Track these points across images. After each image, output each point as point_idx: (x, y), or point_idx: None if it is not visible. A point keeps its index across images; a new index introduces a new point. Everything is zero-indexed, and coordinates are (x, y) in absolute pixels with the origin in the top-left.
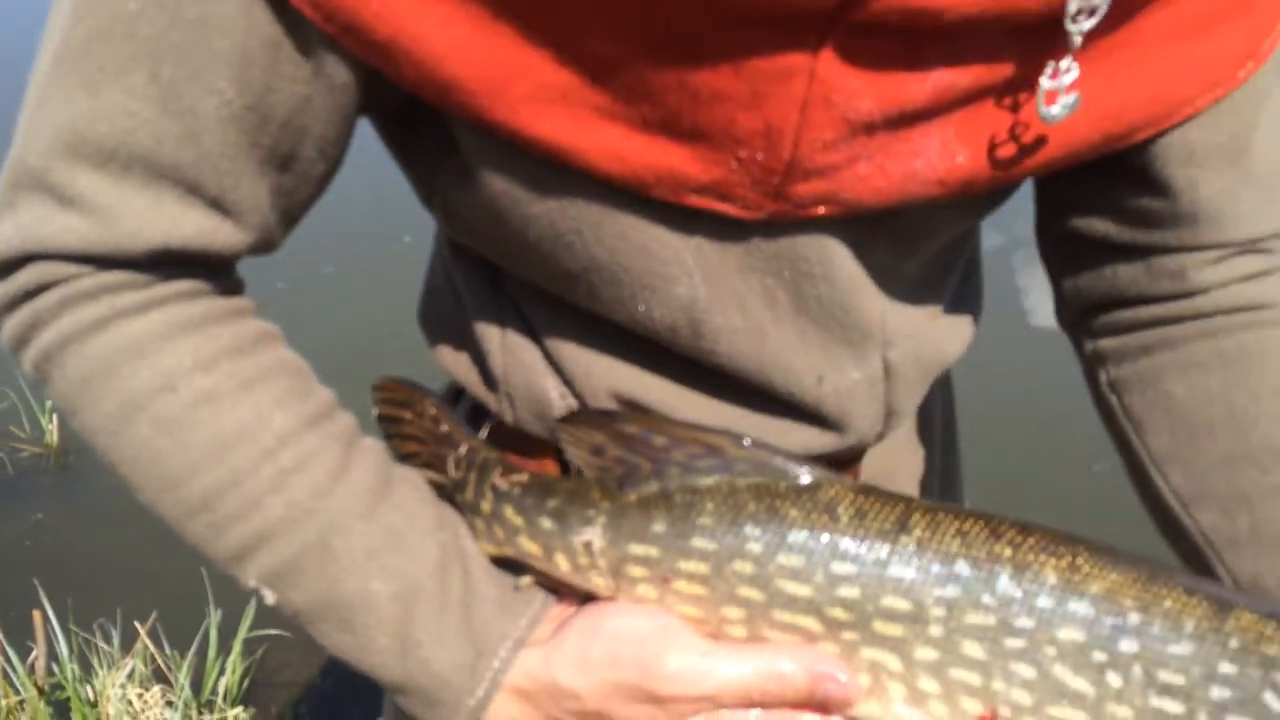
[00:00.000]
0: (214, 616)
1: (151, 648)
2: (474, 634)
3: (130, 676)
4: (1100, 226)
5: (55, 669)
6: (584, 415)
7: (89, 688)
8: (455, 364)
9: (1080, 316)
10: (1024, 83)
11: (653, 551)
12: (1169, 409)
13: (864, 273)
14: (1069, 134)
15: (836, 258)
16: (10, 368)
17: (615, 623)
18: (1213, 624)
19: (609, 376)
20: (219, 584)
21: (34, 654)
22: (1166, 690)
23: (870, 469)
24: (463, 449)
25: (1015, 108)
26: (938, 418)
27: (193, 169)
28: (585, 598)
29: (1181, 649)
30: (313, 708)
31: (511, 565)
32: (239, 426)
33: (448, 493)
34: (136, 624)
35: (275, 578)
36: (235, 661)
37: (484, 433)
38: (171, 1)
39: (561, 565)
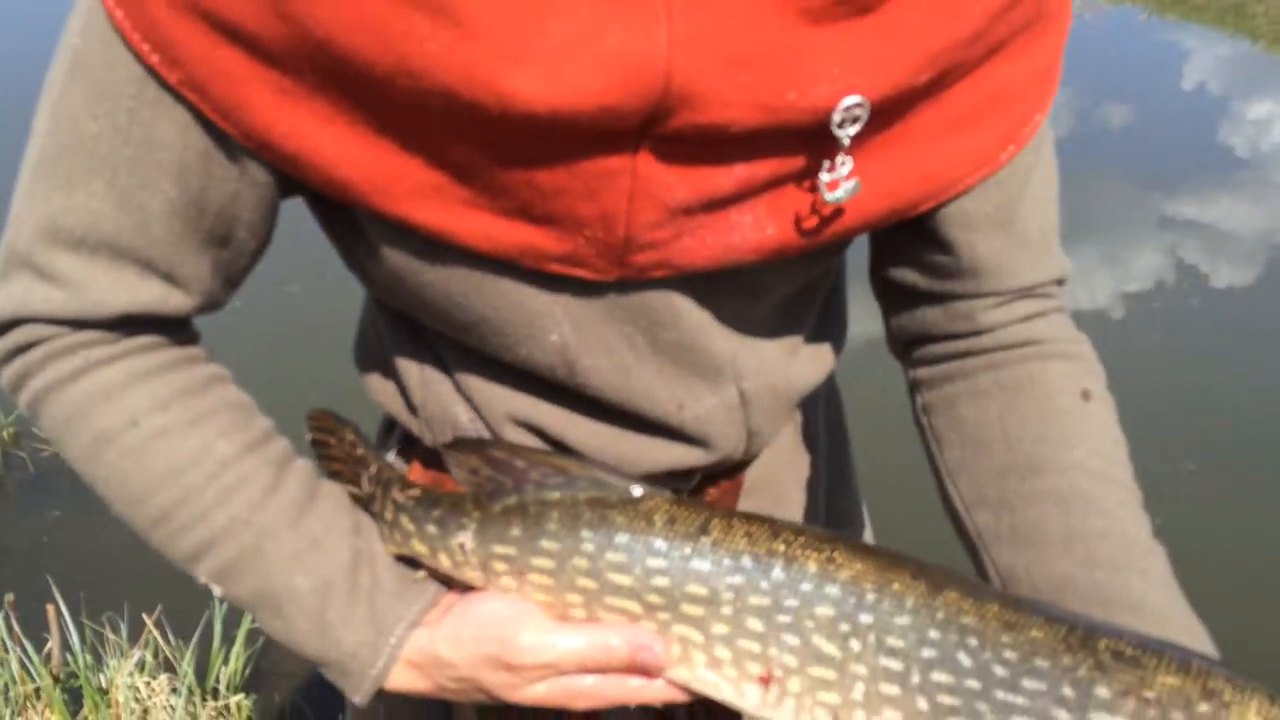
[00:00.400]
0: (217, 610)
1: (158, 639)
2: (376, 618)
3: (139, 666)
4: (908, 276)
5: (69, 659)
6: (463, 443)
7: (100, 676)
8: (383, 395)
9: (903, 348)
10: (814, 171)
11: (511, 551)
12: (960, 429)
13: (712, 319)
14: (860, 208)
15: (683, 308)
16: None
17: (482, 608)
18: (926, 601)
19: (508, 404)
20: None
21: (49, 645)
22: (892, 652)
23: (755, 476)
24: (373, 469)
25: (812, 189)
26: (821, 430)
27: (145, 251)
28: (464, 588)
29: (903, 620)
30: (311, 696)
31: (411, 561)
32: (189, 455)
33: (363, 504)
34: (144, 616)
35: (220, 575)
36: (238, 652)
37: (391, 456)
38: (124, 125)
39: (444, 562)
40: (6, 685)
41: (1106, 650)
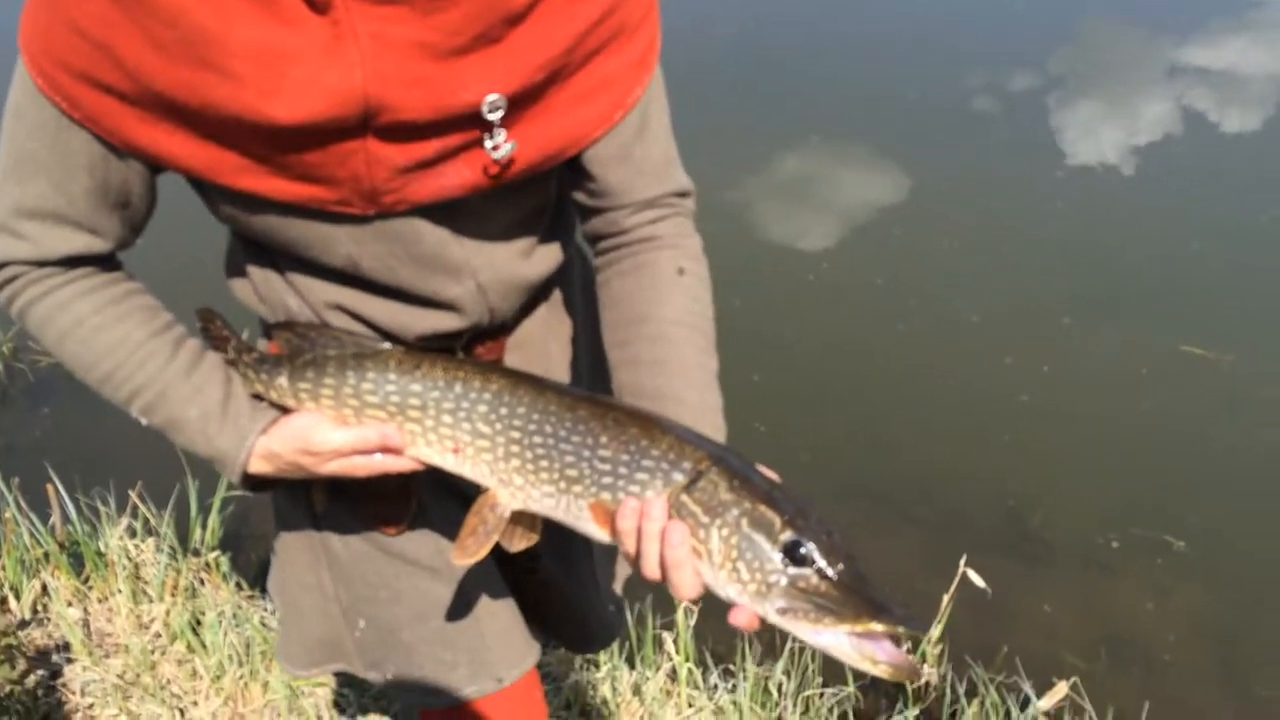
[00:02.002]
0: (191, 483)
1: (143, 508)
2: (239, 431)
3: (129, 532)
4: (579, 199)
5: (70, 529)
6: (280, 325)
7: (97, 542)
8: (243, 294)
9: (590, 246)
10: (482, 140)
11: (309, 386)
12: (608, 296)
13: (448, 235)
14: (525, 157)
15: (423, 230)
16: None
17: (295, 420)
18: (533, 398)
19: (322, 293)
20: (195, 458)
21: (52, 518)
22: (513, 428)
23: (517, 339)
24: (234, 342)
25: (488, 154)
26: (578, 304)
27: (75, 217)
28: (286, 411)
29: (521, 410)
30: None
31: (259, 398)
32: (117, 339)
33: (230, 364)
34: (129, 491)
35: (144, 411)
36: (213, 518)
37: (244, 334)
38: (50, 144)
39: (273, 395)
40: (20, 553)
41: (613, 423)
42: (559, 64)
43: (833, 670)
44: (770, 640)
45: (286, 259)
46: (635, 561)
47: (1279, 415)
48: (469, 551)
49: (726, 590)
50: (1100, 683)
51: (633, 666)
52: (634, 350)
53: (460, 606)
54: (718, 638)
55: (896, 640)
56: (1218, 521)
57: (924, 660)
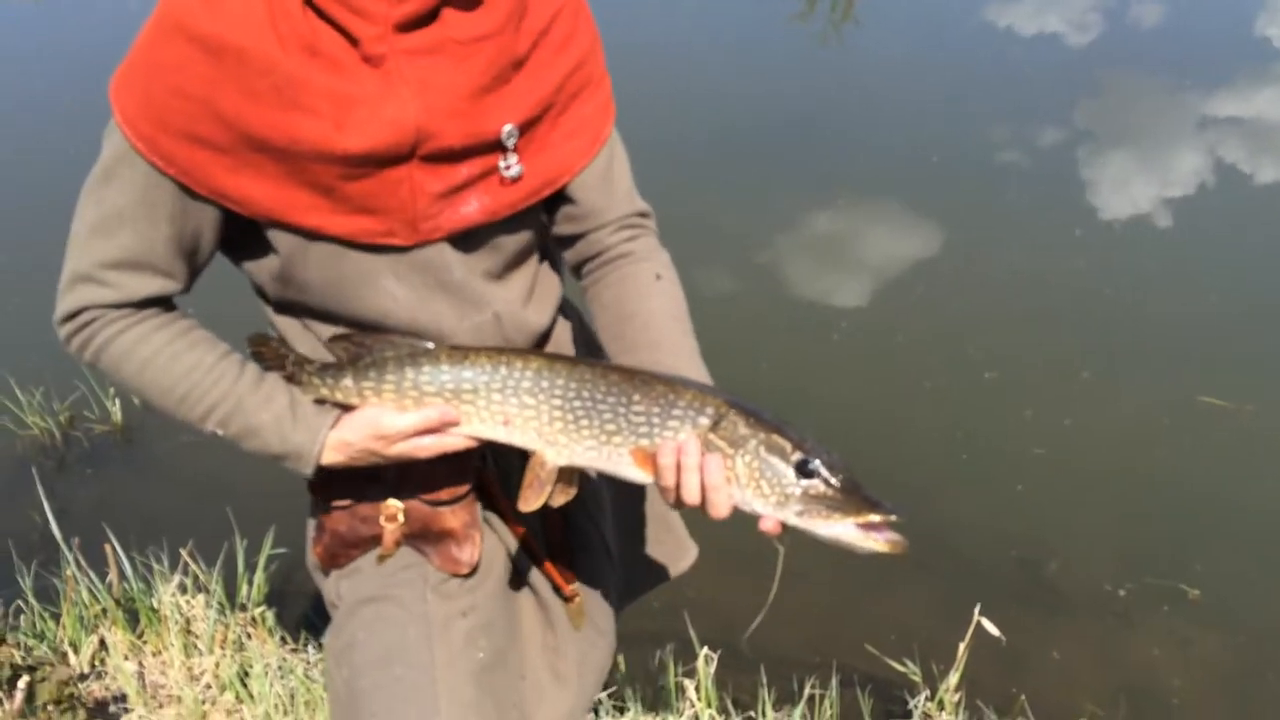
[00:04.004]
0: (239, 542)
1: (193, 565)
2: (310, 429)
3: (180, 589)
4: (566, 228)
5: (125, 587)
6: (339, 336)
7: (151, 599)
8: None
9: (574, 271)
10: (498, 165)
11: (371, 384)
12: (599, 304)
13: (470, 268)
14: (528, 184)
15: (452, 260)
16: (79, 366)
17: (363, 412)
18: (571, 371)
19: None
20: (242, 518)
21: (109, 576)
22: (554, 396)
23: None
24: (291, 358)
25: (500, 174)
26: (580, 338)
27: (153, 263)
28: (348, 409)
29: (560, 381)
30: (320, 608)
31: (319, 403)
32: (191, 364)
33: (287, 378)
34: (180, 550)
35: (220, 423)
36: (259, 575)
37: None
38: (139, 198)
39: (338, 396)
40: (80, 609)
41: (641, 383)
42: (550, 100)
43: (851, 715)
44: (788, 687)
45: (318, 312)
46: (675, 491)
47: None
48: (528, 502)
49: (753, 505)
50: None
51: (655, 713)
52: (629, 339)
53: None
54: (738, 685)
55: (887, 526)
56: (1235, 571)
57: (941, 708)
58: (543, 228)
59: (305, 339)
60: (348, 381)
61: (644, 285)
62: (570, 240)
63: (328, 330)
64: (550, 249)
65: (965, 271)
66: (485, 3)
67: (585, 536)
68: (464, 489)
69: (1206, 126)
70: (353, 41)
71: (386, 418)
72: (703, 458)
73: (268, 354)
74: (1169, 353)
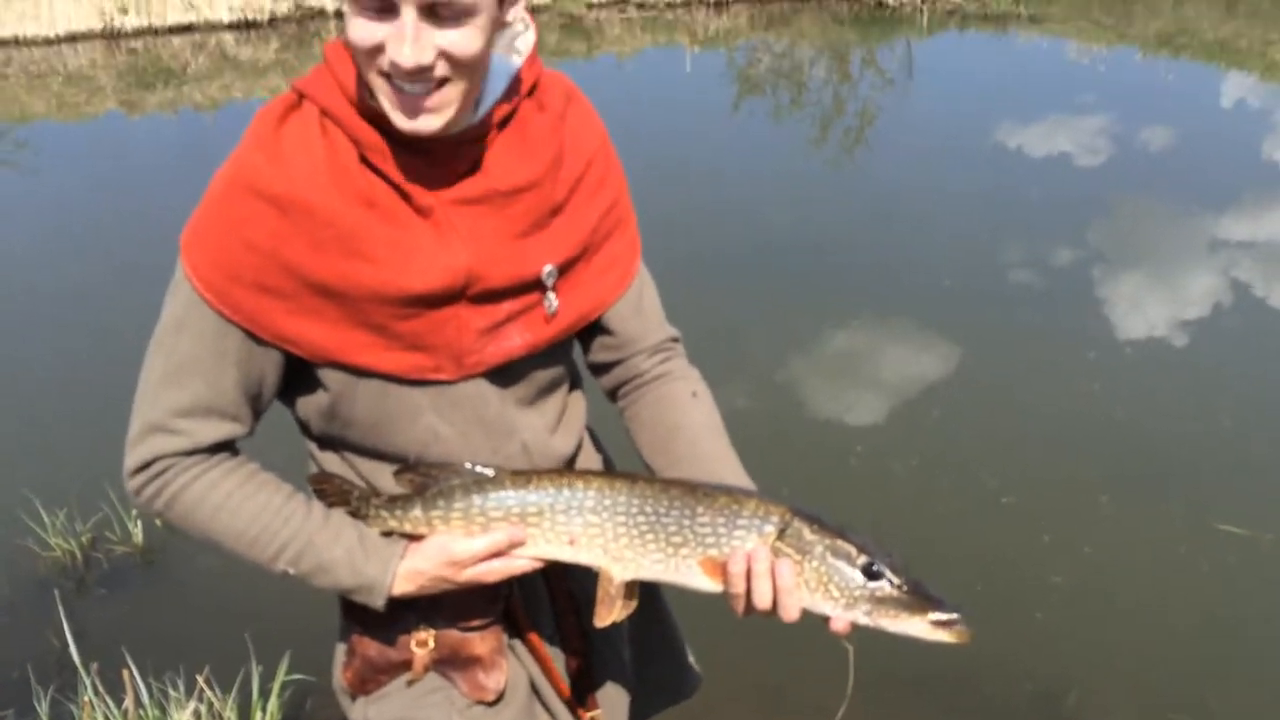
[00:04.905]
0: (254, 668)
1: (208, 692)
2: (381, 560)
3: (195, 715)
4: (602, 356)
5: (141, 714)
6: (406, 466)
7: None
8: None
9: (610, 394)
10: (539, 301)
11: (440, 512)
12: (640, 421)
13: (504, 400)
14: (565, 318)
15: (489, 394)
16: (103, 487)
17: (433, 540)
18: (629, 488)
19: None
20: (259, 642)
21: (125, 701)
22: (619, 513)
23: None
24: (356, 493)
25: (540, 310)
26: (599, 457)
27: (223, 408)
28: (415, 539)
29: (621, 499)
30: None
31: (385, 535)
32: (260, 506)
33: (352, 513)
34: (196, 677)
35: (292, 562)
36: (273, 703)
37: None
38: (210, 348)
39: (407, 527)
40: None
41: (704, 496)
42: (587, 242)
43: None
44: None
45: (360, 447)
46: (745, 598)
47: None
48: (602, 617)
49: (823, 607)
50: None
51: None
52: (675, 454)
53: None
54: None
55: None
56: (1254, 703)
57: None
58: (572, 358)
59: (346, 472)
60: (416, 512)
61: (682, 402)
62: (607, 367)
63: (367, 463)
64: (576, 377)
65: (980, 394)
66: (525, 153)
67: (605, 662)
68: (493, 615)
69: (1217, 249)
70: (404, 195)
71: (458, 544)
72: (773, 563)
73: (330, 491)
74: (1186, 478)
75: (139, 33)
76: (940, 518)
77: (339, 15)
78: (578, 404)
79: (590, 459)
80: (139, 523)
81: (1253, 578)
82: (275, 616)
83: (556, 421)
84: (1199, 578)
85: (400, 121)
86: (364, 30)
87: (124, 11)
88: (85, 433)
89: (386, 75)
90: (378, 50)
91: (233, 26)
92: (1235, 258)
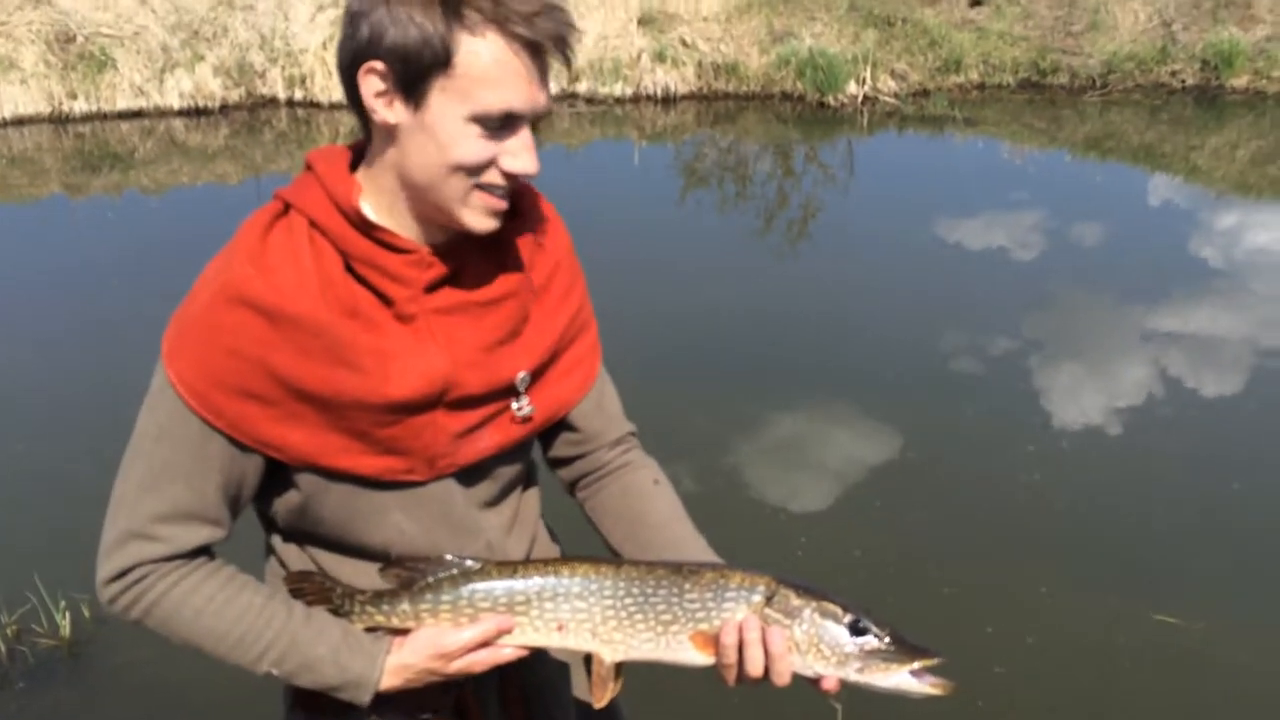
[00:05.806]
0: None
1: None
2: (367, 656)
3: None
4: (565, 451)
5: None
6: (391, 562)
7: None
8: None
9: (570, 488)
10: (509, 406)
11: (428, 606)
12: (605, 512)
13: (469, 501)
14: (537, 418)
15: (456, 494)
16: (30, 577)
17: (421, 634)
18: (614, 574)
19: (359, 574)
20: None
21: None
22: (605, 597)
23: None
24: (339, 590)
25: (511, 413)
26: (555, 549)
27: (204, 512)
28: (402, 634)
29: (608, 584)
30: None
31: (371, 630)
32: (243, 607)
33: (334, 611)
34: None
35: (276, 662)
36: None
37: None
38: (192, 453)
39: (394, 621)
40: None
41: (689, 573)
42: (555, 348)
43: None
44: None
45: (325, 542)
46: (738, 668)
47: (1249, 682)
48: (599, 699)
49: (814, 668)
50: None
51: None
52: (645, 539)
53: None
54: None
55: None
56: None
57: None
58: (531, 456)
59: (307, 565)
60: (404, 606)
61: (647, 490)
62: (568, 461)
63: (329, 557)
64: (532, 474)
65: (922, 484)
66: (501, 261)
67: None
68: (444, 706)
69: (1149, 340)
70: (387, 302)
71: (447, 636)
72: (764, 631)
73: (310, 590)
74: (1124, 567)
75: (88, 117)
76: (885, 609)
77: (290, 104)
78: (531, 503)
79: (547, 553)
80: (67, 614)
81: (1184, 668)
82: (206, 708)
83: (511, 522)
84: (1139, 666)
85: (487, 225)
86: (479, 148)
87: (73, 97)
88: (12, 522)
89: (483, 186)
90: (487, 165)
91: (183, 113)
92: (1165, 349)
